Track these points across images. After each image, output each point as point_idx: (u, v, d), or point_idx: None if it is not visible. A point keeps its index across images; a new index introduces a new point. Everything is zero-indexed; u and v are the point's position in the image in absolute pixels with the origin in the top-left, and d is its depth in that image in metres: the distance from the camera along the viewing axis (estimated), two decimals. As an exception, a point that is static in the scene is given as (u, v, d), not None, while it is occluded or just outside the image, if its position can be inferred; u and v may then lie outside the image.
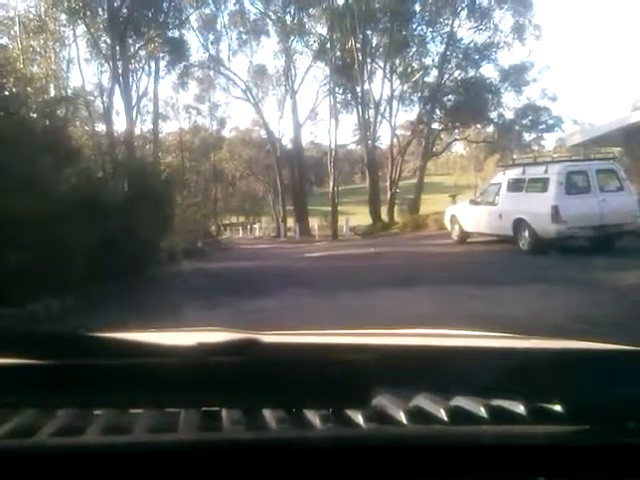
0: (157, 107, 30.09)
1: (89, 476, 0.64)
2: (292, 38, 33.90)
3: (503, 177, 12.75)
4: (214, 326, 0.99)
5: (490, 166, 46.09)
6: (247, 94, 37.83)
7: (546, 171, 11.36)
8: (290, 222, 38.20)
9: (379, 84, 32.32)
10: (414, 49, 31.68)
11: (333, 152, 30.35)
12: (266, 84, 39.37)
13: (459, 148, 51.73)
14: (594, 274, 8.69)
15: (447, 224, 14.90)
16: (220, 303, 6.94)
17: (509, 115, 33.81)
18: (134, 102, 26.03)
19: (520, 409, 0.72)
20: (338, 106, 34.18)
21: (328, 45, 31.55)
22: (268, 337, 0.89)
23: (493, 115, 33.85)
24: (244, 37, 35.43)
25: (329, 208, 31.31)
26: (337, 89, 33.61)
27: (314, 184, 48.71)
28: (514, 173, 12.45)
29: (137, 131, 29.71)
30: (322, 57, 33.31)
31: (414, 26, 30.92)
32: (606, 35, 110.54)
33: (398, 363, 0.83)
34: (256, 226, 43.25)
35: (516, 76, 32.12)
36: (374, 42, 31.60)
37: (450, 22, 30.37)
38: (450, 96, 32.81)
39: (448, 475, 0.67)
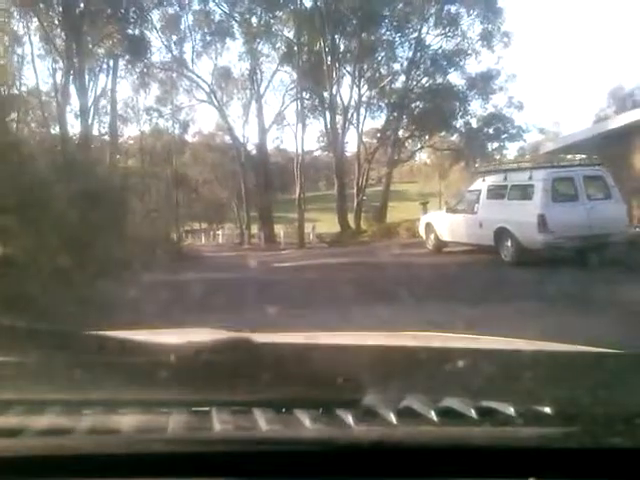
0: (115, 108, 28.60)
1: (79, 475, 0.62)
2: (258, 41, 32.89)
3: (482, 184, 11.93)
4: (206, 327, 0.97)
5: (455, 174, 45.84)
6: (211, 97, 36.62)
7: (530, 177, 10.57)
8: (254, 229, 37.10)
9: (347, 90, 31.61)
10: (382, 54, 31.03)
11: (300, 158, 29.32)
12: (231, 87, 38.24)
13: (423, 156, 51.52)
14: (586, 289, 7.92)
15: (422, 233, 14.02)
16: (174, 323, 5.82)
17: (475, 123, 33.49)
18: (91, 102, 24.57)
19: (510, 410, 0.71)
20: (305, 111, 33.35)
21: (295, 49, 30.64)
22: (260, 336, 0.88)
23: (459, 123, 33.48)
24: (208, 38, 34.26)
25: (295, 215, 30.26)
26: (304, 94, 32.75)
27: (279, 191, 47.53)
28: (495, 179, 11.64)
29: (95, 133, 28.24)
30: (289, 61, 32.38)
31: (382, 31, 30.27)
32: (568, 44, 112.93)
33: (389, 363, 0.82)
34: (219, 233, 41.87)
35: (483, 84, 31.77)
36: (342, 47, 30.86)
37: (419, 28, 29.83)
38: (417, 103, 32.29)
39: (439, 475, 0.65)
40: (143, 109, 39.33)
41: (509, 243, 10.70)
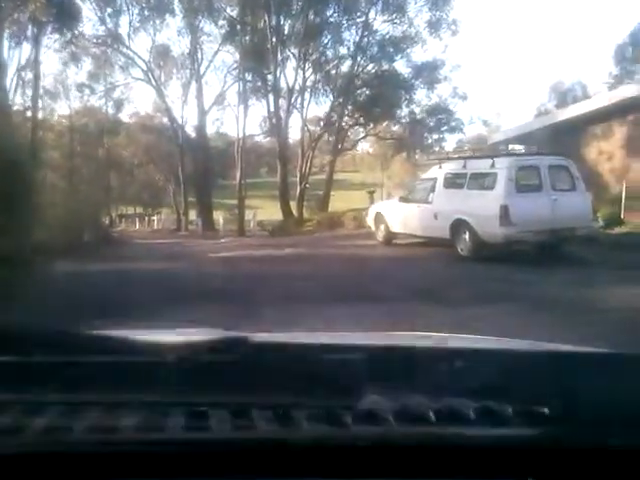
0: (39, 80, 26.22)
1: (74, 475, 0.62)
2: (199, 18, 31.06)
3: (439, 171, 10.98)
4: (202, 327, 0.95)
5: (397, 165, 45.33)
6: (148, 76, 34.63)
7: (493, 165, 9.67)
8: (193, 215, 35.41)
9: (291, 72, 30.24)
10: (329, 37, 29.83)
11: (241, 142, 27.81)
12: (169, 66, 36.24)
13: (366, 145, 50.75)
14: (547, 290, 7.17)
15: (371, 223, 12.97)
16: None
17: (419, 113, 32.88)
18: (13, 73, 22.28)
19: (508, 411, 0.70)
20: (247, 94, 31.91)
21: (238, 27, 29.00)
22: (258, 336, 0.88)
23: (404, 112, 32.80)
24: (146, 13, 32.14)
25: (235, 201, 28.88)
26: (246, 75, 31.26)
27: (219, 176, 45.60)
28: (452, 167, 10.71)
29: (18, 108, 25.85)
30: (231, 40, 30.72)
31: (329, 12, 29.07)
32: (510, 38, 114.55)
33: (387, 363, 0.81)
34: (155, 218, 39.79)
35: (428, 73, 31.13)
36: (287, 27, 29.45)
37: (366, 12, 28.79)
38: (363, 89, 31.35)
39: (436, 476, 0.65)
40: (74, 85, 36.80)
41: (467, 236, 9.81)
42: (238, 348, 0.78)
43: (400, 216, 11.71)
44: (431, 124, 34.49)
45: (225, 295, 6.41)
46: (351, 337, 1.17)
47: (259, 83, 31.85)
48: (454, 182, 10.47)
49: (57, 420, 0.70)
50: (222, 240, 18.30)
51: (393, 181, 47.06)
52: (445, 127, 35.49)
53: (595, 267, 8.69)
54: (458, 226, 9.96)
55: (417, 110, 32.61)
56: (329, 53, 30.41)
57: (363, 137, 35.24)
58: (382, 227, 12.38)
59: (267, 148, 48.85)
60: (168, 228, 35.60)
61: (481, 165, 9.96)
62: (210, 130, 38.84)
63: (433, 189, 10.87)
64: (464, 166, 10.32)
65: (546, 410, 0.70)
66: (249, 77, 31.61)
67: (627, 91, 13.88)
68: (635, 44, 25.52)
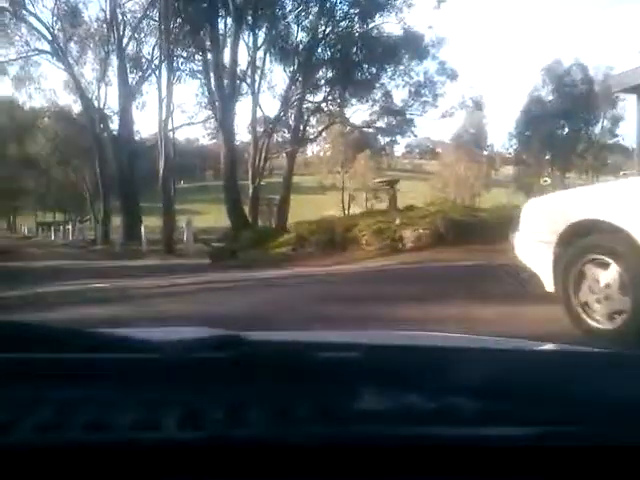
0: None
1: (68, 473, 0.58)
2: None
3: None
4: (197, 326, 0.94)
5: (361, 164, 36.41)
6: (54, 46, 24.60)
7: None
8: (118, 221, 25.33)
9: (240, 44, 20.47)
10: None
11: (165, 125, 18.05)
12: (83, 35, 26.16)
13: (318, 146, 41.44)
14: None
15: (542, 265, 3.67)
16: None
17: (400, 95, 24.07)
18: None
19: (508, 411, 0.67)
20: (180, 70, 22.52)
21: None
22: (255, 335, 0.84)
23: (378, 95, 23.87)
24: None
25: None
26: (177, 48, 21.58)
27: (152, 177, 35.56)
28: None
29: None
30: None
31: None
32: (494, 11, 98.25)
33: (385, 362, 0.77)
34: (69, 227, 29.09)
35: (410, 43, 22.38)
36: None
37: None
38: (328, 63, 22.12)
39: (435, 476, 0.62)
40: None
41: None
42: (235, 346, 0.72)
43: None
44: (383, 127, 26.41)
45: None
46: (349, 336, 1.03)
47: (198, 57, 22.42)
48: None
49: (51, 417, 0.63)
50: (135, 263, 8.48)
51: (355, 183, 38.10)
52: (397, 130, 27.37)
53: None
54: None
55: (394, 91, 23.71)
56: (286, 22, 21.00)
57: (330, 124, 25.71)
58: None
59: (212, 150, 38.90)
60: (84, 240, 25.25)
61: None
62: (139, 119, 29.01)
63: None
64: None
65: (546, 409, 0.66)
66: (180, 51, 22.19)
67: None
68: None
